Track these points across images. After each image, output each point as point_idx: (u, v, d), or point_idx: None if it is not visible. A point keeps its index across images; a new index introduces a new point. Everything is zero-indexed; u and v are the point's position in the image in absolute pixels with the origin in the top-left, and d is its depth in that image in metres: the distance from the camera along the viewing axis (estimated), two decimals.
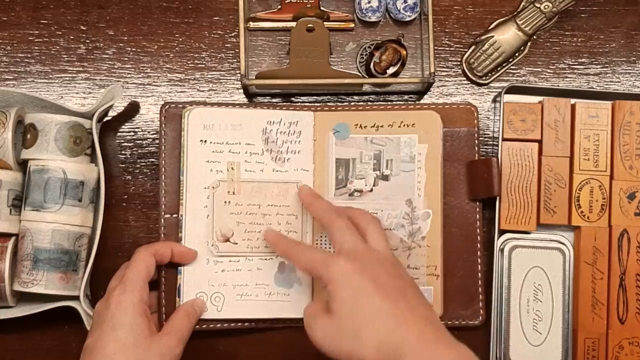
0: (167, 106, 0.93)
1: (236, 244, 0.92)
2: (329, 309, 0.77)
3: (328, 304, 0.77)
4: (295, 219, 0.93)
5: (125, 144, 0.98)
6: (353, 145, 0.94)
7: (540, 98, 0.95)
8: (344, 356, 0.75)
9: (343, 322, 0.75)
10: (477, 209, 0.95)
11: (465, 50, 1.00)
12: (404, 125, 0.94)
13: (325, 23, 0.95)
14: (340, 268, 0.77)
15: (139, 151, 0.98)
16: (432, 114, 0.94)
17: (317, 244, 0.93)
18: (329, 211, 0.85)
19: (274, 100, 0.99)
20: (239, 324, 0.93)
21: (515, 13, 0.98)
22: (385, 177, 0.94)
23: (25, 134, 0.91)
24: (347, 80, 0.95)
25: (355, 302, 0.75)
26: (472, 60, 0.99)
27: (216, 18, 0.99)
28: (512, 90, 0.95)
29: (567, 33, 1.00)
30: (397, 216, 0.93)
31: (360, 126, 0.94)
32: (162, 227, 0.92)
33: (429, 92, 0.99)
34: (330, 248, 0.93)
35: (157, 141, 0.97)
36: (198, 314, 0.89)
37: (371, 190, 0.94)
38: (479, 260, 0.94)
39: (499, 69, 0.99)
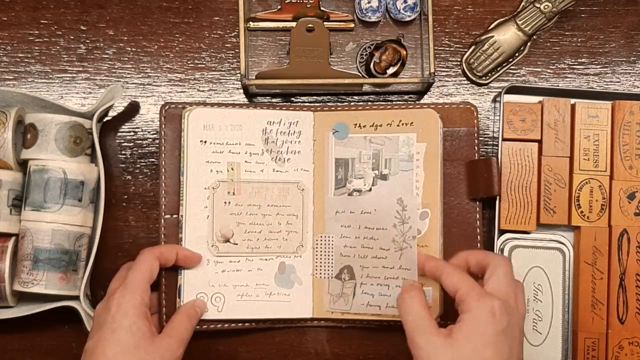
0: (167, 106, 0.93)
1: (236, 244, 0.92)
2: (450, 331, 0.77)
3: (452, 327, 0.77)
4: (296, 219, 0.93)
5: (125, 144, 0.98)
6: (352, 145, 0.94)
7: (540, 98, 0.95)
8: None
9: (456, 353, 0.76)
10: (477, 209, 0.95)
11: (465, 50, 1.00)
12: (403, 124, 0.93)
13: (325, 23, 0.95)
14: (491, 308, 0.77)
15: (139, 151, 0.98)
16: (430, 112, 0.94)
17: (316, 244, 0.93)
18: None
19: (274, 100, 0.99)
20: (239, 324, 0.93)
21: (515, 13, 0.98)
22: (384, 177, 0.94)
23: (26, 134, 0.91)
24: (347, 80, 0.95)
25: (479, 346, 0.75)
26: (472, 60, 0.99)
27: (216, 18, 0.99)
28: (512, 90, 0.95)
29: (567, 33, 1.00)
30: (395, 215, 0.93)
31: (359, 126, 0.94)
32: (162, 228, 0.92)
33: (429, 92, 0.99)
34: (328, 248, 0.93)
35: (157, 141, 0.97)
36: (199, 314, 0.89)
37: (370, 189, 0.94)
38: None
39: (499, 69, 0.99)
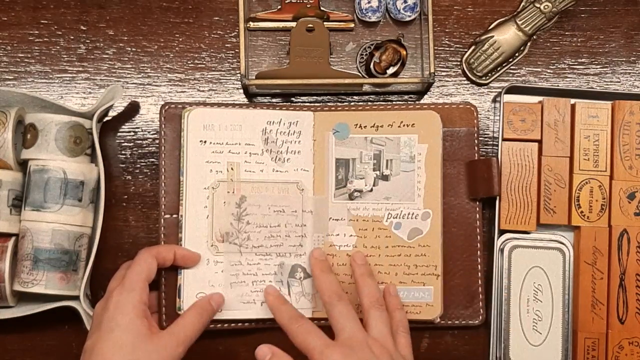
0: (167, 106, 0.93)
1: (236, 244, 0.92)
2: None
3: None
4: (295, 219, 0.93)
5: (125, 144, 0.98)
6: (353, 145, 0.94)
7: (540, 98, 0.95)
8: None
9: None
10: (477, 209, 0.95)
11: (465, 50, 1.00)
12: (404, 125, 0.94)
13: (325, 23, 0.95)
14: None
15: (139, 151, 0.98)
16: (432, 113, 0.94)
17: (315, 244, 0.93)
18: (332, 292, 0.86)
19: (274, 100, 0.99)
20: (239, 324, 0.93)
21: (515, 13, 0.98)
22: (385, 177, 0.94)
23: (26, 134, 0.91)
24: (347, 80, 0.95)
25: None
26: (472, 60, 0.99)
27: (216, 18, 0.99)
28: (512, 90, 0.95)
29: (567, 33, 1.00)
30: (396, 216, 0.93)
31: (360, 126, 0.94)
32: (162, 228, 0.92)
33: (429, 92, 0.99)
34: (327, 246, 0.93)
35: (157, 141, 0.97)
36: (214, 309, 0.89)
37: (371, 190, 0.94)
38: (479, 260, 0.94)
39: (499, 69, 0.99)
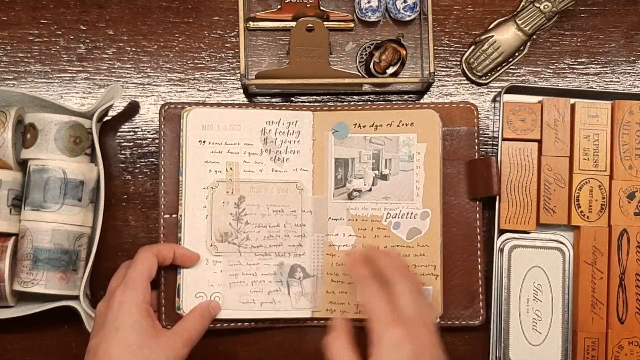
0: (167, 107, 0.93)
1: (235, 244, 0.92)
2: None
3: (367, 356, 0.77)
4: (295, 219, 0.93)
5: (125, 144, 0.98)
6: (352, 145, 0.94)
7: (540, 98, 0.95)
8: None
9: None
10: (477, 209, 0.95)
11: (465, 50, 1.00)
12: (403, 124, 0.94)
13: (325, 23, 0.95)
14: (395, 340, 0.76)
15: (139, 151, 0.98)
16: (432, 113, 0.94)
17: (314, 244, 0.93)
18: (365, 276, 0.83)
19: (274, 100, 0.99)
20: (239, 324, 0.93)
21: (515, 13, 0.98)
22: (385, 177, 0.94)
23: (26, 134, 0.91)
24: (347, 80, 0.95)
25: None
26: (472, 60, 0.98)
27: (216, 18, 0.99)
28: (512, 90, 0.95)
29: (567, 33, 1.00)
30: (395, 216, 0.93)
31: (360, 126, 0.94)
32: (162, 228, 0.92)
33: (429, 92, 0.99)
34: (327, 246, 0.93)
35: (157, 141, 0.97)
36: (213, 315, 0.90)
37: (370, 190, 0.94)
38: (479, 260, 0.94)
39: (499, 69, 0.99)
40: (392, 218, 0.93)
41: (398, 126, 0.94)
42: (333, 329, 0.81)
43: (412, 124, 0.93)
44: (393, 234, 0.93)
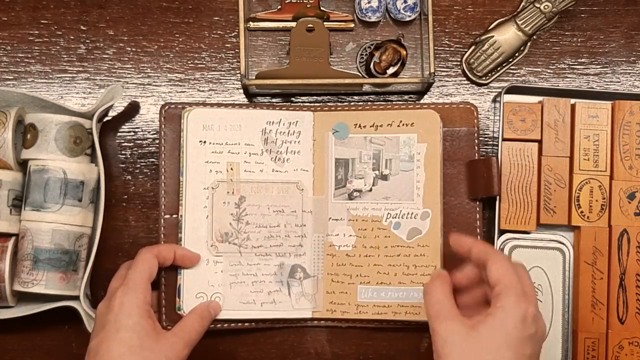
0: (167, 106, 0.93)
1: (235, 244, 0.92)
2: (475, 321, 0.75)
3: (478, 318, 0.75)
4: (295, 219, 0.93)
5: (125, 144, 0.98)
6: (352, 145, 0.94)
7: (540, 98, 0.95)
8: None
9: (476, 344, 0.74)
10: (477, 209, 0.95)
11: (465, 50, 1.00)
12: (403, 124, 0.94)
13: (325, 23, 0.95)
14: (525, 312, 0.74)
15: (139, 151, 0.98)
16: (432, 112, 0.94)
17: (314, 244, 0.93)
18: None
19: (274, 100, 0.99)
20: (239, 324, 0.93)
21: (515, 13, 0.98)
22: (385, 177, 0.94)
23: (26, 134, 0.91)
24: (347, 80, 0.95)
25: (501, 346, 0.73)
26: (472, 60, 0.98)
27: (216, 18, 0.99)
28: (512, 90, 0.95)
29: (567, 33, 1.00)
30: (395, 216, 0.93)
31: (360, 126, 0.94)
32: (162, 228, 0.92)
33: (429, 92, 0.99)
34: (327, 246, 0.93)
35: (157, 141, 0.97)
36: (212, 316, 0.89)
37: (370, 190, 0.94)
38: None
39: (499, 69, 0.99)
40: (392, 218, 0.93)
41: (398, 126, 0.94)
42: (435, 277, 0.80)
43: (412, 123, 0.93)
44: (393, 233, 0.93)
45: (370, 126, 0.94)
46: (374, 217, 0.93)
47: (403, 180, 0.93)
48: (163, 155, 0.93)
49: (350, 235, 0.93)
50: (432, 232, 0.93)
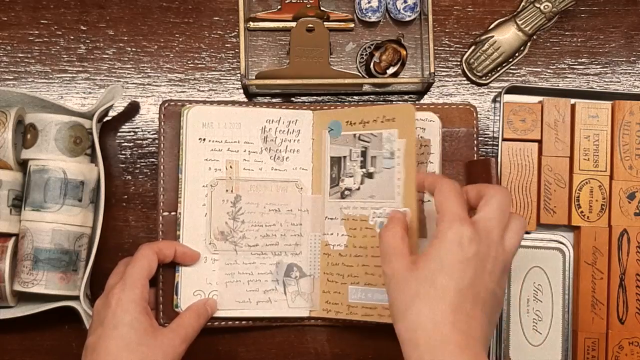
0: (167, 104, 0.93)
1: (234, 242, 0.92)
2: (417, 257, 0.74)
3: (419, 256, 0.74)
4: (294, 218, 0.93)
5: (125, 144, 0.98)
6: (344, 142, 0.93)
7: (540, 98, 0.95)
8: (390, 306, 0.75)
9: (415, 279, 0.73)
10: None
11: (465, 50, 1.00)
12: (386, 120, 0.90)
13: (325, 23, 0.95)
14: (460, 236, 0.72)
15: (139, 151, 0.98)
16: (407, 106, 0.90)
17: (311, 243, 0.93)
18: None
19: (273, 100, 0.99)
20: (237, 322, 0.92)
21: (515, 13, 0.98)
22: (370, 175, 0.91)
23: (26, 134, 0.91)
24: (347, 80, 0.95)
25: (435, 273, 0.72)
26: (472, 60, 0.99)
27: (216, 18, 0.99)
28: (512, 90, 0.95)
29: (567, 33, 1.00)
30: (380, 215, 0.91)
31: (350, 123, 0.92)
32: (161, 225, 0.92)
33: (429, 92, 0.99)
34: (323, 245, 0.93)
35: (157, 141, 0.97)
36: (209, 313, 0.89)
37: (359, 188, 0.92)
38: None
39: (499, 69, 0.99)
40: (377, 217, 0.90)
41: (382, 122, 0.91)
42: (389, 221, 0.80)
43: (394, 119, 0.90)
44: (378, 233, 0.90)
45: (359, 123, 0.92)
46: (362, 217, 0.91)
47: (385, 178, 0.90)
48: (162, 152, 0.93)
49: (343, 235, 0.92)
50: (411, 233, 0.89)
